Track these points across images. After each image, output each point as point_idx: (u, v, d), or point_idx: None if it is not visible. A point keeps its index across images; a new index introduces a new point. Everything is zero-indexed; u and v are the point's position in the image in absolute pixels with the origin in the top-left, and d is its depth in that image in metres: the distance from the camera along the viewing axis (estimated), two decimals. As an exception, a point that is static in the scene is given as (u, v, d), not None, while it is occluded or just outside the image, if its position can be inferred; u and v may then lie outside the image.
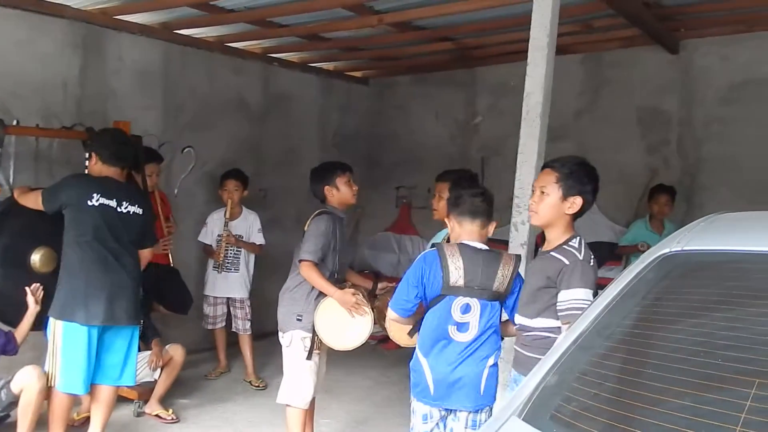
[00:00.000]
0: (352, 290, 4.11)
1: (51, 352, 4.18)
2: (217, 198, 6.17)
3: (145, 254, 4.42)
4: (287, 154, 7.27)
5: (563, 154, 3.15)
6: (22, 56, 5.04)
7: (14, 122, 4.70)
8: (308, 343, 4.08)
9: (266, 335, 6.29)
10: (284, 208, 7.01)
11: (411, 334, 3.50)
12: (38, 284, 4.38)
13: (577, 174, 2.99)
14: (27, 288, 4.32)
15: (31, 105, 5.07)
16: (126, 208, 4.24)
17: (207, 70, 6.51)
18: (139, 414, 5.05)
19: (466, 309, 3.26)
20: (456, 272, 3.24)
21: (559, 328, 2.93)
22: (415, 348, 3.41)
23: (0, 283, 4.39)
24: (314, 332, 4.07)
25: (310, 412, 4.32)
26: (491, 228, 3.44)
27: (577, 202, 2.98)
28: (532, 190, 3.14)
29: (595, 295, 2.69)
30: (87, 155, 4.72)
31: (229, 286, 5.98)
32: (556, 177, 2.98)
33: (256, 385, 5.88)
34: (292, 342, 4.09)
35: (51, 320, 4.15)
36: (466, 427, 3.27)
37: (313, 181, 4.34)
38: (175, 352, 5.03)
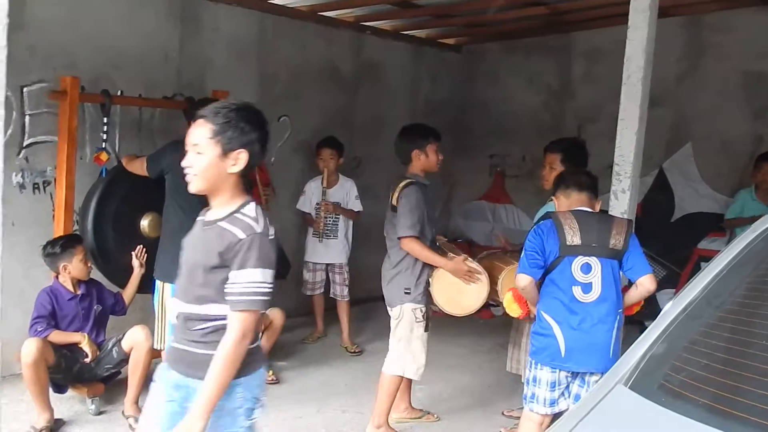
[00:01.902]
0: (462, 257, 4.14)
1: (158, 314, 4.38)
2: (312, 166, 6.26)
3: None
4: (378, 122, 7.29)
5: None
6: (124, 30, 5.20)
7: (118, 93, 4.88)
8: (419, 315, 4.12)
9: (361, 301, 6.40)
10: (375, 177, 7.05)
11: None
12: (141, 246, 4.58)
13: (236, 122, 2.40)
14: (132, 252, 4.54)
15: (134, 76, 5.22)
16: None
17: (300, 39, 6.57)
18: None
19: (587, 269, 3.33)
20: (571, 232, 3.32)
21: None
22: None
23: (111, 247, 4.62)
24: (426, 303, 4.12)
25: (407, 380, 4.38)
26: (597, 206, 3.51)
27: (242, 157, 2.41)
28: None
29: (276, 276, 2.38)
30: (188, 123, 4.87)
31: (328, 252, 6.04)
32: (210, 130, 2.40)
33: (352, 350, 5.97)
34: (403, 315, 4.12)
35: (158, 282, 4.35)
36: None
37: (404, 141, 4.28)
38: (275, 316, 5.16)
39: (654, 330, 1.98)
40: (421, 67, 7.90)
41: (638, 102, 4.07)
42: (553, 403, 3.47)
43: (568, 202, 3.51)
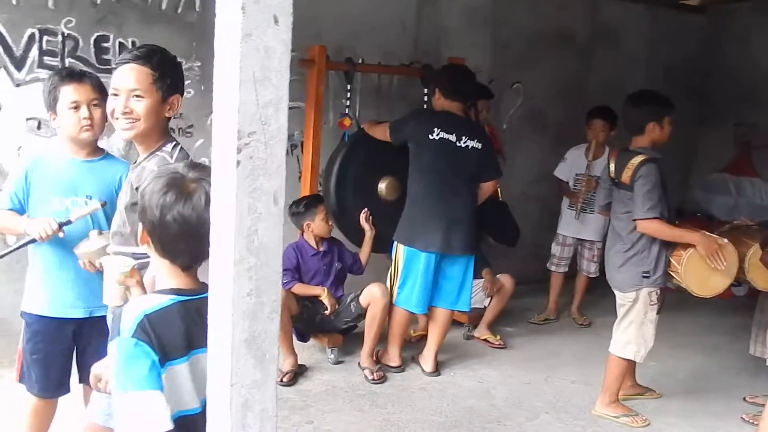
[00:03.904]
0: (713, 235, 3.90)
1: (392, 272, 4.57)
2: (542, 133, 6.14)
3: (487, 187, 4.60)
4: (613, 90, 6.98)
5: None
6: (365, 1, 5.41)
7: (359, 61, 5.09)
8: (654, 298, 3.94)
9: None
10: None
11: None
12: (366, 210, 4.78)
13: (172, 68, 2.43)
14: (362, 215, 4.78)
15: (373, 45, 5.41)
16: (465, 142, 4.41)
17: (532, 4, 6.45)
18: (468, 337, 5.32)
19: None
20: None
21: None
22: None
23: (351, 208, 4.87)
24: (661, 286, 3.95)
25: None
26: None
27: (176, 102, 2.41)
28: (115, 93, 2.36)
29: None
30: (426, 91, 5.00)
31: (584, 227, 5.74)
32: (151, 75, 2.32)
33: (581, 322, 5.86)
34: (639, 299, 3.95)
35: (395, 244, 4.53)
36: None
37: (639, 110, 4.00)
38: (505, 281, 5.19)
39: None
40: (659, 30, 7.44)
41: None
42: None
43: None
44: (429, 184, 4.40)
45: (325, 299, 4.51)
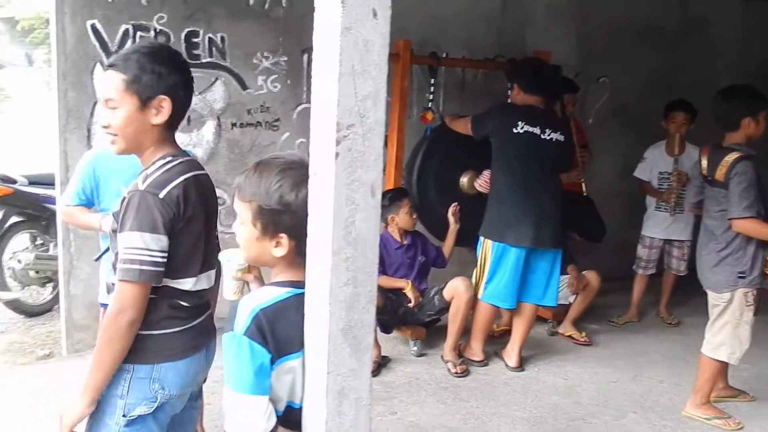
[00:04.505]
0: None
1: (479, 267, 4.55)
2: (629, 128, 6.00)
3: (567, 176, 4.55)
4: (702, 84, 6.75)
5: None
6: (449, -6, 5.41)
7: (444, 55, 5.08)
8: (750, 299, 3.81)
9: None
10: (699, 142, 6.59)
11: None
12: (456, 204, 4.77)
13: (150, 67, 2.03)
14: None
15: (457, 39, 5.40)
16: (549, 135, 4.36)
17: (621, -3, 6.31)
18: (552, 333, 5.26)
19: None
20: None
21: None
22: None
23: (433, 201, 4.87)
24: (755, 287, 3.81)
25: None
26: None
27: (165, 105, 2.05)
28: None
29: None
30: (509, 85, 4.95)
31: (674, 227, 5.55)
32: (122, 81, 2.02)
33: (669, 321, 5.71)
34: (734, 300, 3.82)
35: (482, 239, 4.52)
36: None
37: (733, 104, 3.85)
38: (591, 278, 5.10)
39: None
40: (753, 23, 7.15)
41: None
42: None
43: None
44: (516, 178, 4.37)
45: (409, 292, 4.53)
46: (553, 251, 4.50)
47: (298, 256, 1.66)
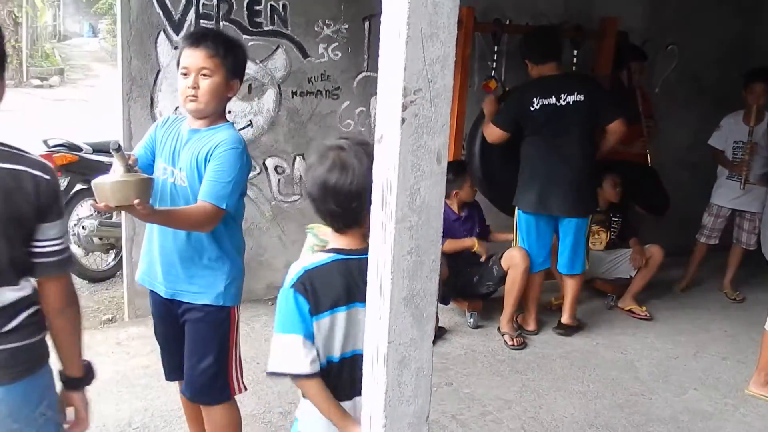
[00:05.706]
0: None
1: (514, 236, 4.64)
2: (700, 97, 5.80)
3: (613, 129, 4.36)
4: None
5: None
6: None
7: (507, 21, 4.98)
8: None
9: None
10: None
11: None
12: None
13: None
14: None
15: (521, 5, 5.28)
16: (564, 99, 4.29)
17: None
18: (611, 307, 5.17)
19: None
20: None
21: None
22: None
23: (496, 173, 4.80)
24: None
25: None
26: None
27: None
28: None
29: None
30: (575, 53, 4.87)
31: (744, 198, 5.42)
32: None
33: (733, 297, 5.56)
34: None
35: (517, 209, 4.57)
36: None
37: None
38: (655, 252, 4.97)
39: None
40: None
41: None
42: None
43: None
44: (536, 149, 4.40)
45: (478, 248, 4.58)
46: (578, 219, 4.47)
47: (331, 227, 1.92)
